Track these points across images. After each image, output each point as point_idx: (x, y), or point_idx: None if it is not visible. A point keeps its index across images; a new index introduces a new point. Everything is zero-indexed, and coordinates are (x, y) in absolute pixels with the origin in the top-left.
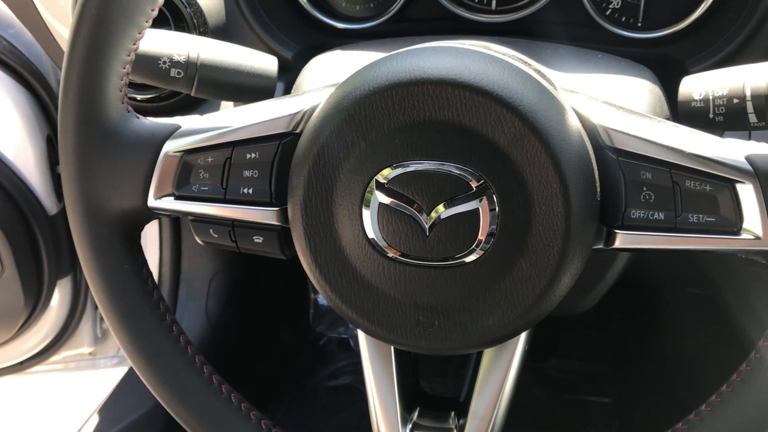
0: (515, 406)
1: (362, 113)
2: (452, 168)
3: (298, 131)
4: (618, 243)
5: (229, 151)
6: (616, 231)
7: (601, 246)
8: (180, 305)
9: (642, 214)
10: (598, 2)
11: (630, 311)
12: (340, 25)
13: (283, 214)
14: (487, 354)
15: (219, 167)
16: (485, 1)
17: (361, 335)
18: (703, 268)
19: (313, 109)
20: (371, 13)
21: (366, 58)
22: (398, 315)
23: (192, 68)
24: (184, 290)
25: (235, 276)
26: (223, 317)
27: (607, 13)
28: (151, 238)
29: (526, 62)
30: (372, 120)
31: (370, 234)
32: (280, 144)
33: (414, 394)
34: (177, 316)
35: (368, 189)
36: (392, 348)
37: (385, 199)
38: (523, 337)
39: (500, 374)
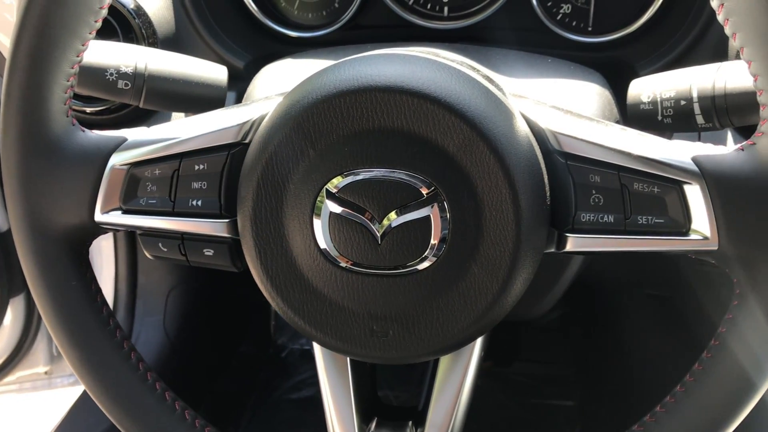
0: (479, 412)
1: (311, 122)
2: (403, 175)
3: (246, 141)
4: (569, 246)
5: (177, 162)
6: (567, 234)
7: (552, 250)
8: (137, 321)
9: (592, 217)
10: (549, 7)
11: (591, 314)
12: (293, 34)
13: (234, 226)
14: (444, 361)
15: (167, 179)
16: (437, 8)
17: (316, 346)
18: (660, 269)
19: (261, 119)
20: (324, 21)
21: (316, 66)
22: (352, 325)
23: (140, 79)
24: (141, 306)
25: (193, 290)
26: (182, 332)
27: (558, 17)
28: (106, 253)
29: (475, 68)
30: (321, 128)
31: (322, 244)
32: (229, 154)
33: (371, 405)
34: (134, 332)
35: (319, 198)
36: (348, 358)
37: (336, 208)
38: (478, 342)
39: (457, 381)
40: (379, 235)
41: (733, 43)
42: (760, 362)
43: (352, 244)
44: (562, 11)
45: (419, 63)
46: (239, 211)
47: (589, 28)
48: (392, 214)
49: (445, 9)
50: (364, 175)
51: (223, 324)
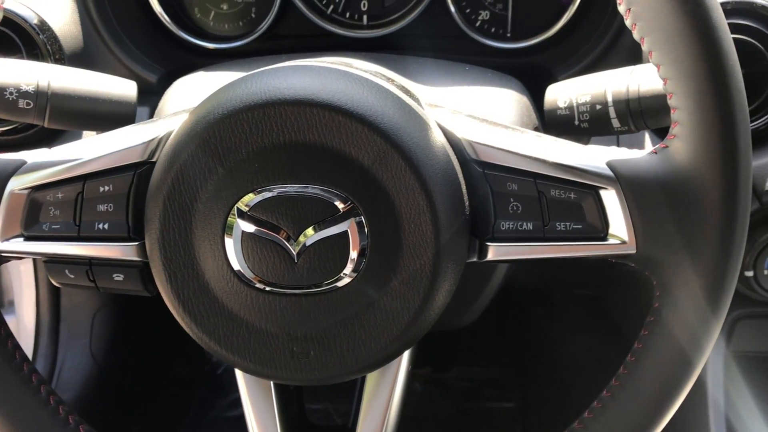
0: (420, 420)
1: (218, 138)
2: (317, 190)
3: (153, 160)
4: (491, 255)
5: (81, 184)
6: (488, 243)
7: (474, 259)
8: (62, 346)
9: (511, 225)
10: (468, 14)
11: (525, 316)
12: (210, 45)
13: (144, 249)
14: (371, 377)
15: (70, 203)
16: (356, 17)
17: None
18: (588, 269)
19: (168, 136)
20: (241, 31)
21: (228, 78)
22: (271, 348)
23: (42, 98)
24: (65, 330)
25: (120, 310)
26: (111, 355)
27: (477, 24)
28: (26, 276)
29: (389, 78)
30: (229, 144)
31: (235, 265)
32: (135, 174)
33: (298, 425)
34: (59, 358)
35: (230, 218)
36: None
37: (249, 227)
38: (406, 355)
39: (385, 396)
40: (295, 253)
41: (643, 47)
42: (683, 363)
43: (267, 264)
44: (480, 18)
45: (330, 74)
46: (147, 234)
47: (508, 35)
48: (308, 231)
49: (365, 17)
50: (276, 191)
51: (155, 343)
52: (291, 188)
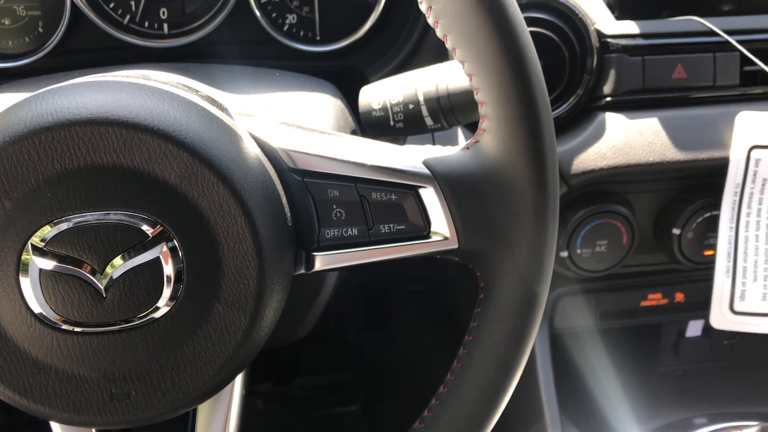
0: None
1: (1, 168)
2: (121, 216)
3: None
4: (318, 265)
5: None
6: (314, 254)
7: (302, 271)
8: None
9: (336, 233)
10: (274, 18)
11: (362, 317)
12: None
13: None
14: (202, 406)
15: None
16: (156, 26)
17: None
18: (418, 265)
19: None
20: (28, 47)
21: (12, 101)
22: (87, 393)
23: None
24: None
25: None
26: None
27: (285, 28)
28: None
29: (193, 89)
30: (15, 174)
31: (36, 308)
32: None
33: None
34: None
35: (24, 255)
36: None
37: (47, 264)
38: (238, 380)
39: (219, 424)
40: (102, 287)
41: (447, 45)
42: (512, 349)
43: (71, 302)
44: (288, 22)
45: (125, 89)
46: None
47: (317, 38)
48: (116, 262)
49: (165, 26)
50: (74, 221)
51: None
52: (90, 216)
